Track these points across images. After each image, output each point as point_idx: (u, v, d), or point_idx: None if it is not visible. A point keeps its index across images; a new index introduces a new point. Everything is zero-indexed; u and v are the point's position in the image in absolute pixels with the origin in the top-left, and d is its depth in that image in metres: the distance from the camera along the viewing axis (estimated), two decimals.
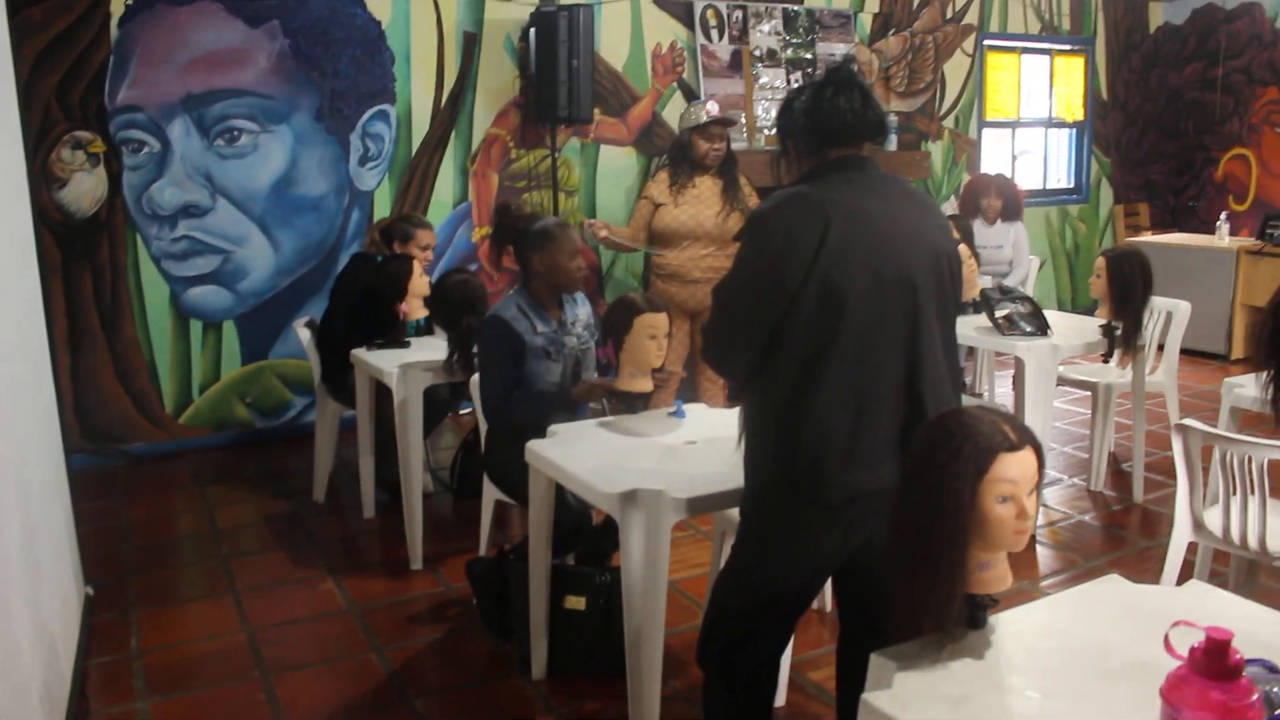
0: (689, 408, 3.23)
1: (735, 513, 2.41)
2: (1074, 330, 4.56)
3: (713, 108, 5.10)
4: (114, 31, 5.21)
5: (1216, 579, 3.30)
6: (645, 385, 3.21)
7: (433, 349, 4.20)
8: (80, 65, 5.17)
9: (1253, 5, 8.51)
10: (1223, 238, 7.68)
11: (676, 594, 3.75)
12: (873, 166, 2.26)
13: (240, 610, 3.76)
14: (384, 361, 4.11)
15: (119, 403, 5.46)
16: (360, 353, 4.30)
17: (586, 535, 3.37)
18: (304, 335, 4.82)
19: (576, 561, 3.42)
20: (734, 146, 5.29)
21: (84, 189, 5.25)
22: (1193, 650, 1.36)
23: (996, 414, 1.76)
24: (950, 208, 7.51)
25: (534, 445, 2.93)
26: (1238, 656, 1.34)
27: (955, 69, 7.99)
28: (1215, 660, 1.33)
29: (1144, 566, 3.98)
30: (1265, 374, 3.25)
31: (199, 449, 5.64)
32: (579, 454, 2.84)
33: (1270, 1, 8.38)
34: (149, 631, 3.60)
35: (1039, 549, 4.24)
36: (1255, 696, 1.34)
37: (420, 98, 6.02)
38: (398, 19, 5.89)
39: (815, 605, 3.63)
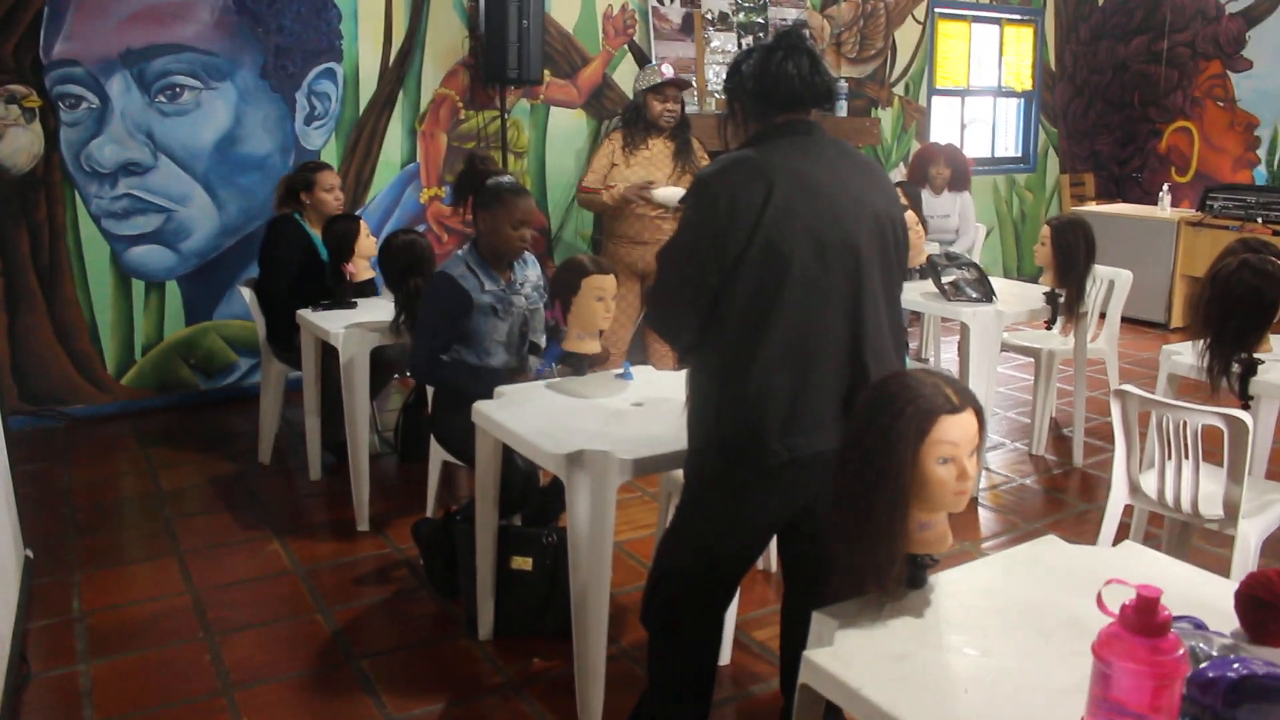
0: (636, 370, 3.24)
1: (681, 474, 2.42)
2: (1018, 297, 4.62)
3: (667, 69, 5.10)
4: None
5: (1151, 540, 3.38)
6: (593, 347, 3.21)
7: (380, 310, 4.17)
8: (13, 17, 5.02)
9: None
10: (1165, 209, 7.81)
11: (622, 555, 3.77)
12: (819, 132, 2.26)
13: (184, 572, 3.72)
14: (330, 322, 4.07)
15: (58, 364, 5.36)
16: (306, 313, 4.25)
17: (534, 496, 3.38)
18: (248, 295, 4.76)
19: (523, 522, 3.43)
20: (686, 109, 5.28)
21: (19, 145, 5.12)
22: (1124, 607, 1.40)
23: (939, 376, 1.78)
24: (899, 174, 7.56)
25: (481, 406, 2.92)
26: (1166, 613, 1.37)
27: (906, 36, 8.01)
28: (1145, 617, 1.36)
29: (1082, 528, 4.07)
30: (1201, 342, 3.33)
31: (142, 410, 5.56)
32: (526, 415, 2.83)
33: None
34: (91, 594, 3.56)
35: (980, 511, 4.31)
36: (1182, 651, 1.37)
37: (368, 56, 5.93)
38: None
39: (760, 565, 3.67)
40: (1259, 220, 7.14)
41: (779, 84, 2.22)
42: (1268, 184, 8.20)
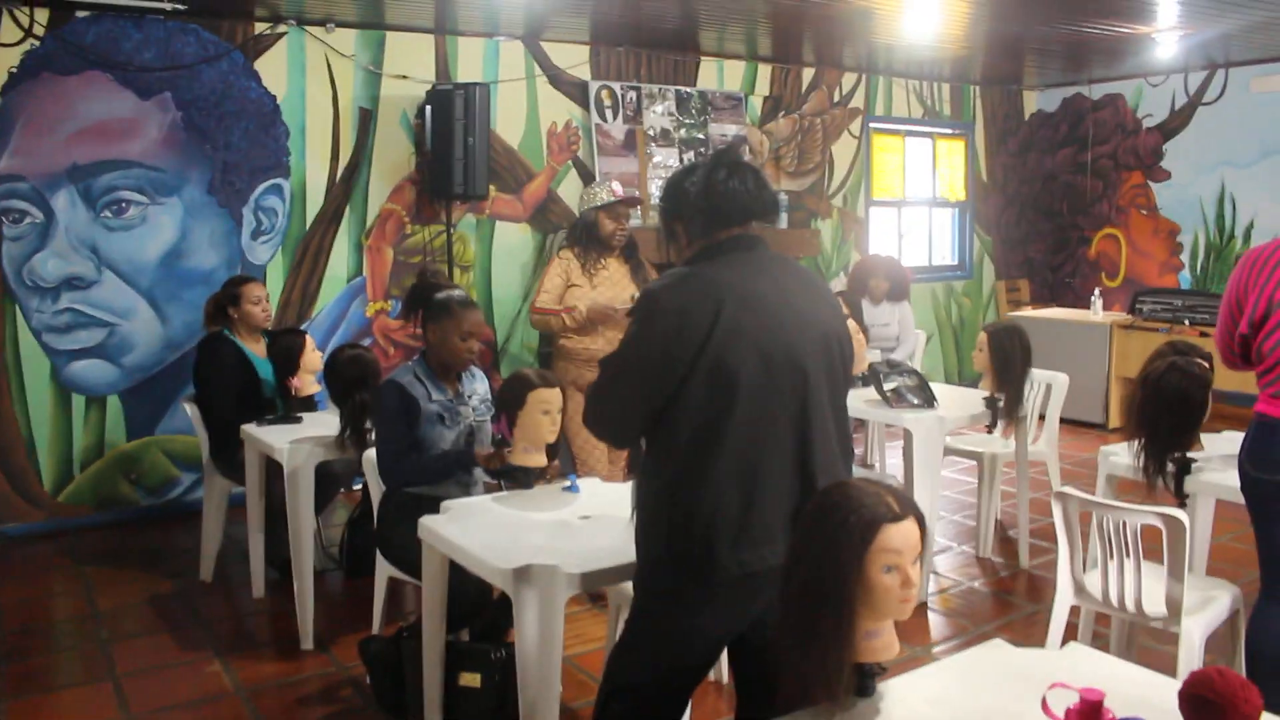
0: (583, 482, 3.24)
1: (630, 586, 2.42)
2: (959, 402, 4.70)
3: (617, 187, 4.97)
4: None
5: (1099, 640, 3.41)
6: (539, 460, 3.22)
7: (324, 425, 4.15)
8: None
9: (1115, 96, 9.00)
10: (1097, 313, 8.03)
11: (572, 669, 3.72)
12: (763, 246, 2.31)
13: (120, 696, 3.61)
14: (274, 437, 4.04)
15: None
16: (250, 428, 4.22)
17: (486, 610, 3.34)
18: (191, 411, 4.71)
19: (472, 638, 3.38)
20: (629, 224, 5.30)
21: None
22: (1068, 712, 1.42)
23: (880, 486, 1.81)
24: (840, 284, 7.71)
25: (427, 521, 2.90)
26: (1110, 716, 1.39)
27: (843, 150, 8.26)
28: None
29: (1031, 629, 4.09)
30: (1137, 443, 3.41)
31: (79, 528, 5.43)
32: (472, 530, 2.82)
33: (1130, 93, 8.88)
34: None
35: (930, 615, 4.32)
36: None
37: (315, 172, 6.00)
38: (293, 94, 5.89)
39: (712, 676, 3.63)
40: (1186, 322, 7.36)
41: (727, 201, 2.26)
42: (1192, 288, 8.47)
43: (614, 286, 4.90)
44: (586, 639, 4.01)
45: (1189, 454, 3.37)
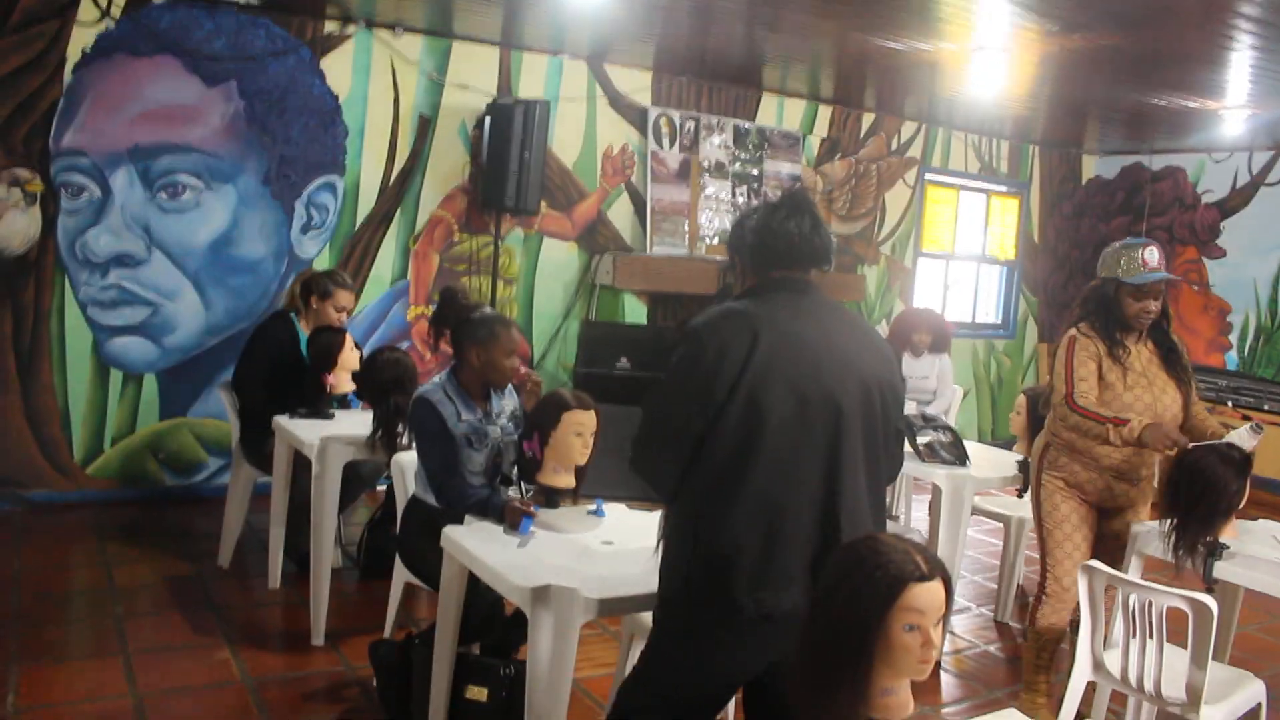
0: (609, 507, 3.23)
1: (647, 616, 2.41)
2: (992, 463, 4.66)
3: (1152, 256, 3.66)
4: (68, 76, 5.20)
5: (1114, 717, 3.35)
6: (567, 481, 3.21)
7: (357, 424, 4.16)
8: (29, 104, 5.14)
9: (1176, 169, 8.93)
10: None
11: (580, 693, 3.70)
12: (815, 292, 2.32)
13: (129, 673, 3.63)
14: (306, 431, 4.06)
15: (24, 447, 5.30)
16: (282, 420, 4.24)
17: (498, 625, 3.33)
18: (226, 397, 4.75)
19: (482, 651, 3.37)
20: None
21: (16, 227, 5.18)
22: None
23: (909, 543, 1.79)
24: (881, 331, 7.68)
25: (450, 532, 2.91)
26: None
27: (896, 198, 8.25)
28: None
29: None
30: (1168, 522, 3.36)
31: (104, 502, 5.48)
32: (494, 545, 2.82)
33: (1192, 166, 8.81)
34: (28, 689, 3.45)
35: (944, 676, 4.26)
36: None
37: (370, 173, 6.05)
38: (355, 95, 5.95)
39: (720, 716, 3.60)
40: (1229, 404, 7.27)
41: (778, 240, 2.29)
42: (1238, 369, 8.37)
43: (1150, 386, 3.69)
44: (597, 663, 3.99)
45: (1221, 539, 3.31)
